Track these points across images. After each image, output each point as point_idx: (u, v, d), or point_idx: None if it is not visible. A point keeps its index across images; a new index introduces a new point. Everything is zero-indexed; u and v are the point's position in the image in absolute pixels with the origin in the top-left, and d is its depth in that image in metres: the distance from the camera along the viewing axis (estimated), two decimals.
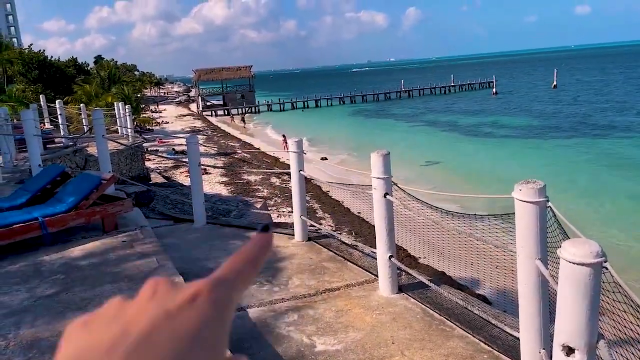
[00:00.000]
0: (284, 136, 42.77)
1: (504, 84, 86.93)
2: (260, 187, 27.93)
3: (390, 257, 3.86)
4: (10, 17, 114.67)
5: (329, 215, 20.66)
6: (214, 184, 27.75)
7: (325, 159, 35.57)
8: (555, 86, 79.14)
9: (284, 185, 27.91)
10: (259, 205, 18.37)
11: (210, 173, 30.53)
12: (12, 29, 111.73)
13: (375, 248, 4.29)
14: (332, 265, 4.73)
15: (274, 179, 29.37)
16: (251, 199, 20.78)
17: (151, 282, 0.36)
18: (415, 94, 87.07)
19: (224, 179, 29.25)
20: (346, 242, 5.12)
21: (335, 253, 5.01)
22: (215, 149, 42.27)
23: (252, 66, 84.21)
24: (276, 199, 25.03)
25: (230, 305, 0.35)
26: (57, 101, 13.92)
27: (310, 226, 5.58)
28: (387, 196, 3.77)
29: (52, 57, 54.96)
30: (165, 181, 20.03)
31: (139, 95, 41.10)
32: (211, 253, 5.37)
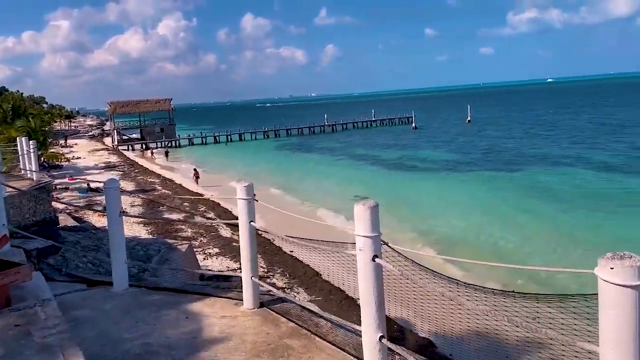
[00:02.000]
0: (195, 170, 41.09)
1: (422, 119, 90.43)
2: (183, 227, 26.16)
3: (380, 337, 2.99)
4: None
5: (273, 267, 19.29)
6: (131, 224, 25.63)
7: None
8: (469, 121, 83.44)
9: (208, 224, 26.38)
10: (183, 249, 16.86)
11: (126, 212, 28.33)
12: None
13: (346, 318, 3.42)
14: (296, 342, 3.75)
15: (198, 218, 27.73)
16: (175, 241, 19.14)
17: None
18: (339, 128, 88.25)
19: (142, 220, 27.16)
20: (311, 309, 4.17)
21: (297, 324, 4.03)
22: (133, 185, 39.74)
23: (171, 99, 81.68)
24: (202, 239, 23.43)
25: None
26: None
27: (261, 287, 4.58)
28: (377, 259, 2.93)
29: None
30: (77, 224, 17.98)
31: (46, 128, 37.94)
32: (137, 329, 4.20)
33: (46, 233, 11.18)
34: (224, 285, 5.30)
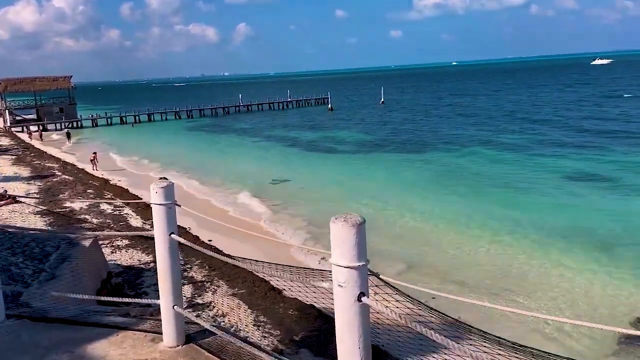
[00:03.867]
0: (94, 153, 37.88)
1: (337, 100, 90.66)
2: (87, 216, 23.83)
3: None
4: None
5: (190, 258, 17.78)
6: (26, 215, 22.89)
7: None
8: (383, 102, 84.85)
9: (117, 212, 24.26)
10: (87, 243, 15.00)
11: (21, 202, 25.26)
12: None
13: (273, 311, 2.50)
14: None
15: (104, 206, 25.37)
16: (76, 234, 17.07)
17: None
18: (254, 109, 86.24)
19: (40, 207, 24.38)
20: (253, 343, 3.17)
21: None
22: (29, 171, 35.92)
23: (71, 76, 75.29)
24: (108, 230, 21.38)
25: None
26: None
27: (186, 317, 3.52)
28: (364, 299, 2.02)
29: None
30: None
31: None
32: None
33: None
34: (136, 312, 4.12)
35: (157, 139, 53.12)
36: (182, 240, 3.22)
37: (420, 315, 2.18)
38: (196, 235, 18.84)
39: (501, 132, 45.16)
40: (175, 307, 3.33)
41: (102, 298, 4.19)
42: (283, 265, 3.04)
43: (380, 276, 2.12)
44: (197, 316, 3.75)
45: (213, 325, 3.50)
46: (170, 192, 3.23)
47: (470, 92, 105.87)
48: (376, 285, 2.38)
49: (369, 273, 2.12)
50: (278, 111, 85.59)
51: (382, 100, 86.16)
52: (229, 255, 3.77)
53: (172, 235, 3.22)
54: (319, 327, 8.49)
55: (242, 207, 24.36)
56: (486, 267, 15.77)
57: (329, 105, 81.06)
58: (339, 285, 2.10)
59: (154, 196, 3.19)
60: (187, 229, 18.98)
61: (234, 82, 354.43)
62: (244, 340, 3.31)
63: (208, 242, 18.23)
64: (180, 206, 3.25)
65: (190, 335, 3.47)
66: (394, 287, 2.30)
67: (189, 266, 17.24)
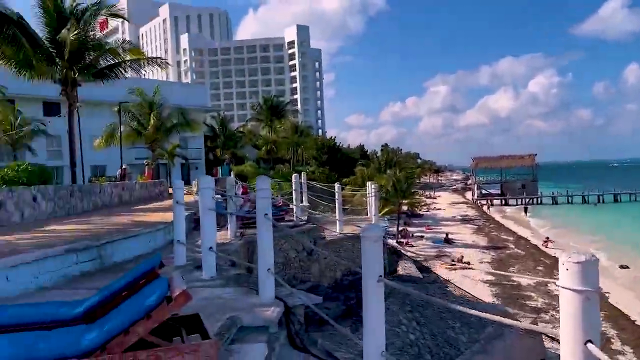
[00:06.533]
0: (547, 238, 36.03)
1: None
2: (532, 294, 22.93)
3: None
4: (319, 112, 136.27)
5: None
6: (476, 282, 24.02)
7: (626, 267, 27.95)
8: None
9: None
10: (526, 322, 14.11)
11: (472, 268, 26.85)
12: (320, 122, 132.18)
13: None
14: None
15: (552, 286, 23.85)
16: (518, 311, 16.44)
17: None
18: None
19: (488, 277, 25.16)
20: None
21: None
22: (485, 241, 38.19)
23: (536, 154, 77.57)
24: (553, 312, 19.79)
25: None
26: (336, 184, 13.19)
27: None
28: None
29: (340, 143, 60.72)
30: (418, 274, 17.41)
31: (411, 179, 40.71)
32: None
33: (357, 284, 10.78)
34: None
35: (622, 222, 47.13)
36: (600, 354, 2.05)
37: None
38: None
39: None
40: None
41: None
42: None
43: None
44: None
45: None
46: (591, 271, 2.14)
47: None
48: None
49: None
50: None
51: None
52: None
53: (588, 346, 2.10)
54: None
55: None
56: None
57: None
58: None
59: (564, 276, 2.18)
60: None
61: None
62: None
63: None
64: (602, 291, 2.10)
65: None
66: None
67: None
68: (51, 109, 36.35)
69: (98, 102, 33.15)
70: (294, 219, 11.68)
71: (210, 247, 5.67)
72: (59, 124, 28.77)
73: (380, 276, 3.35)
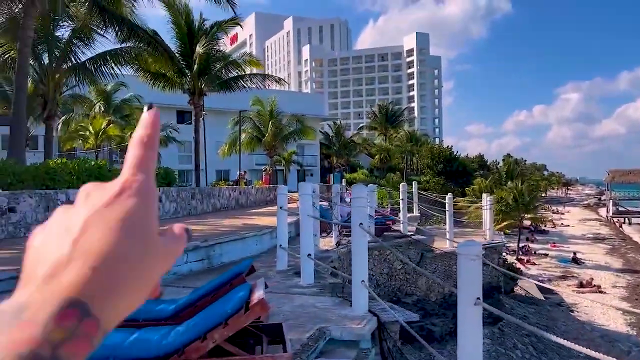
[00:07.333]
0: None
1: None
2: None
3: None
4: (436, 120, 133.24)
5: None
6: (606, 311, 21.61)
7: None
8: None
9: None
10: None
11: (605, 292, 24.18)
12: (437, 130, 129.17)
13: None
14: None
15: None
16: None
17: (83, 188, 0.40)
18: None
19: (624, 304, 22.48)
20: None
21: None
22: (621, 263, 34.35)
23: None
24: None
25: (151, 191, 0.41)
26: (447, 195, 12.80)
27: None
28: None
29: (458, 152, 58.54)
30: (540, 296, 16.08)
31: (534, 191, 37.91)
32: None
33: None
34: None
35: None
36: None
37: None
38: None
39: None
40: None
41: None
42: None
43: None
44: None
45: None
46: None
47: None
48: None
49: None
50: None
51: None
52: None
53: None
54: None
55: None
56: None
57: None
58: None
59: None
60: None
61: None
62: None
63: None
64: None
65: None
66: None
67: None
68: (183, 117, 39.55)
69: (222, 111, 35.37)
70: (401, 229, 11.35)
71: (309, 254, 5.64)
72: (190, 131, 31.19)
73: (478, 298, 3.04)
